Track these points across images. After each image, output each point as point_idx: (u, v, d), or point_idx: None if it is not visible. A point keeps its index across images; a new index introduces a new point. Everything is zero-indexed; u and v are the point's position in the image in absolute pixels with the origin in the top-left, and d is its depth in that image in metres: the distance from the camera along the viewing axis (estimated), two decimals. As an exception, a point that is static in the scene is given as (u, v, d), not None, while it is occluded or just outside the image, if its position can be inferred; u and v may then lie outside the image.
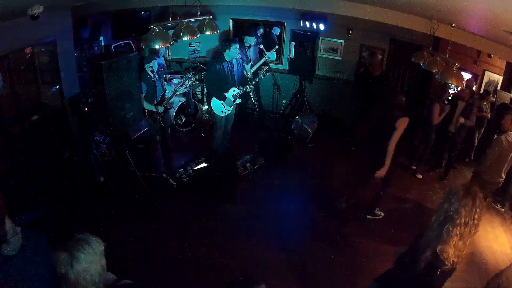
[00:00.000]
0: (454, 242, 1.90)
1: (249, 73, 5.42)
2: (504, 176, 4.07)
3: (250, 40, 6.17)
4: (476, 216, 1.89)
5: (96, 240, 1.74)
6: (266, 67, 5.36)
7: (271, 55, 6.21)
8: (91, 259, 1.66)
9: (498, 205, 4.87)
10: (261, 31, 6.78)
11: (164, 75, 5.92)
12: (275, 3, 5.90)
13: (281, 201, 4.91)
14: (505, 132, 3.91)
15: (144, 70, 4.91)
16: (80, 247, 1.66)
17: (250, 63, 6.13)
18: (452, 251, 1.91)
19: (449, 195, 1.97)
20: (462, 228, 1.89)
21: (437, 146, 5.50)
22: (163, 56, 6.88)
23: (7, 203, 3.73)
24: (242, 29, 7.11)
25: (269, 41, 6.81)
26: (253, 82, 5.30)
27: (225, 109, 5.20)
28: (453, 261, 1.92)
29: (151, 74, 4.82)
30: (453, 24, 3.98)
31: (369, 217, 4.52)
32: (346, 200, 4.64)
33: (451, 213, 1.91)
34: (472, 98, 5.17)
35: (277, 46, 6.65)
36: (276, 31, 7.15)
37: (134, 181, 4.73)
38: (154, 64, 4.90)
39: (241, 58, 5.30)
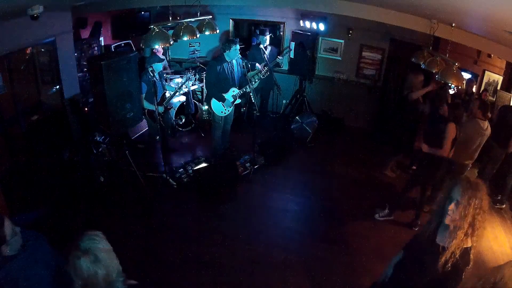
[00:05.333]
0: (472, 233, 1.93)
1: (261, 75, 5.37)
2: (470, 161, 4.34)
3: (265, 41, 6.17)
4: (485, 203, 1.92)
5: (100, 233, 1.75)
6: (266, 67, 5.35)
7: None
8: (108, 249, 1.68)
9: (498, 204, 4.87)
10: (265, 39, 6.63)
11: (164, 75, 5.93)
12: (275, 3, 5.90)
13: (281, 201, 4.91)
14: (474, 117, 4.23)
15: (145, 70, 4.91)
16: (94, 241, 1.65)
17: (263, 63, 6.06)
18: (469, 242, 1.94)
19: (450, 192, 1.98)
20: (476, 217, 1.91)
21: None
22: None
23: (7, 203, 3.73)
24: (250, 30, 7.07)
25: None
26: (253, 83, 5.28)
27: (225, 109, 5.20)
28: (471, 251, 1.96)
29: (152, 74, 4.82)
30: (453, 24, 3.98)
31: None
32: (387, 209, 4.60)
33: (462, 205, 1.91)
34: (470, 98, 5.18)
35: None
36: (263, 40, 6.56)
37: (134, 181, 4.74)
38: (159, 66, 4.90)
39: (242, 60, 5.27)
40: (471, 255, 1.95)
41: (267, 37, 6.21)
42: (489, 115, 5.47)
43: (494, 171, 4.87)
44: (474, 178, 1.99)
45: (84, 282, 1.59)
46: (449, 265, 1.92)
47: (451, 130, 3.90)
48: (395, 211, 4.53)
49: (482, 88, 5.94)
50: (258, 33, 6.40)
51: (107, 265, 1.62)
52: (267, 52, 6.22)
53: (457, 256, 1.92)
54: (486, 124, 4.23)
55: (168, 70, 6.57)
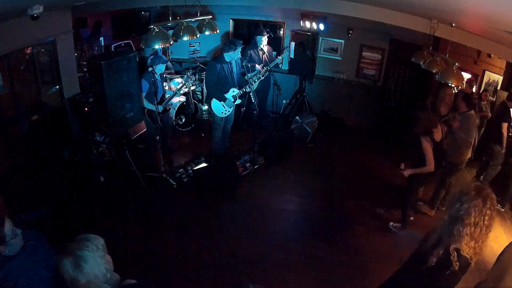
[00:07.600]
0: (466, 241, 1.92)
1: (260, 75, 5.38)
2: (467, 156, 4.26)
3: (262, 40, 6.14)
4: (486, 217, 1.89)
5: (94, 236, 1.73)
6: (265, 68, 5.36)
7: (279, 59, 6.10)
8: (96, 255, 1.66)
9: (498, 205, 4.87)
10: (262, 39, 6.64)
11: (165, 76, 5.93)
12: (275, 3, 5.90)
13: (281, 201, 4.91)
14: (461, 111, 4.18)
15: (146, 70, 4.91)
16: (82, 246, 1.65)
17: (262, 64, 6.08)
18: (466, 249, 1.93)
19: (461, 195, 1.98)
20: (472, 228, 1.90)
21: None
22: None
23: (7, 203, 3.73)
24: (250, 30, 7.05)
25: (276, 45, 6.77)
26: (253, 84, 5.29)
27: (226, 110, 5.20)
28: (468, 258, 1.94)
29: (153, 74, 4.83)
30: (453, 24, 3.98)
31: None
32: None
33: (461, 212, 1.92)
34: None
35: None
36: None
37: (134, 181, 4.74)
38: (161, 68, 4.91)
39: (243, 59, 5.27)
40: (454, 259, 1.93)
41: (265, 37, 6.16)
42: (489, 114, 5.50)
43: (496, 171, 4.87)
44: (490, 194, 1.93)
45: (68, 281, 1.63)
46: (434, 259, 1.96)
47: (426, 146, 3.75)
48: (408, 218, 4.39)
49: (482, 88, 5.94)
50: (255, 33, 6.36)
51: (88, 273, 1.61)
52: (266, 51, 6.21)
53: (440, 254, 1.95)
54: (473, 113, 4.25)
55: (172, 70, 6.57)
